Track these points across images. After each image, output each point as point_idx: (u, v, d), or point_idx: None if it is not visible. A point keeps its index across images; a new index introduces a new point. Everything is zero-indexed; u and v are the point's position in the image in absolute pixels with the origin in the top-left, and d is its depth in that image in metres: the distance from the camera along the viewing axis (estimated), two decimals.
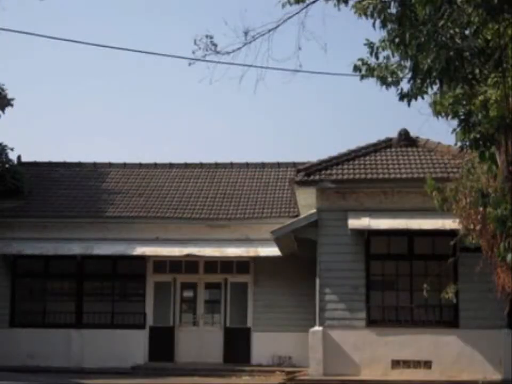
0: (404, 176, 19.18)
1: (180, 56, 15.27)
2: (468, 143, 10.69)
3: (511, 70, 9.82)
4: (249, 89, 11.93)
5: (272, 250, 21.34)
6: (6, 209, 23.67)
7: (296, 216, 21.36)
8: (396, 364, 18.52)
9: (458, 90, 10.38)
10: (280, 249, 20.99)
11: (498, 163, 11.34)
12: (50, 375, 20.45)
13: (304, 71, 12.24)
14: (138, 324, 22.82)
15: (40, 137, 47.48)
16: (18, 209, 23.90)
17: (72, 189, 25.23)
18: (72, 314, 22.96)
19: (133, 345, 22.47)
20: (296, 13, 10.66)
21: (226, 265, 23.06)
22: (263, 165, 26.63)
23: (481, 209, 12.30)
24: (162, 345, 22.66)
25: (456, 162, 18.18)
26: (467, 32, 9.43)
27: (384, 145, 20.95)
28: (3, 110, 24.56)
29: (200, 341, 22.77)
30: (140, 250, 22.48)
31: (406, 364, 18.52)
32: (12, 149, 25.31)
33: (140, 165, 26.84)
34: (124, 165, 26.90)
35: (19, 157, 26.44)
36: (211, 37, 11.13)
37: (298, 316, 21.78)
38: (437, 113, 11.09)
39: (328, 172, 19.51)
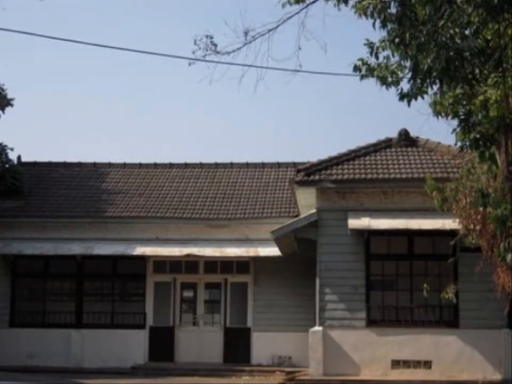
0: (404, 176, 19.17)
1: (180, 56, 15.32)
2: (468, 143, 10.72)
3: (511, 70, 9.82)
4: (249, 89, 11.94)
5: (272, 250, 21.33)
6: (6, 209, 23.67)
7: (296, 216, 21.35)
8: (395, 363, 18.52)
9: (458, 90, 10.40)
10: (280, 249, 20.99)
11: (498, 163, 11.35)
12: (50, 375, 20.43)
13: (304, 71, 12.26)
14: (138, 323, 22.81)
15: (40, 137, 47.53)
16: (18, 209, 23.89)
17: (72, 189, 25.22)
18: (72, 314, 22.94)
19: (133, 345, 22.46)
20: (296, 13, 10.68)
21: (226, 265, 23.05)
22: (263, 165, 26.62)
23: (481, 209, 12.31)
24: (162, 345, 22.64)
25: (456, 162, 18.16)
26: (467, 32, 9.44)
27: (384, 145, 20.95)
28: (3, 110, 24.57)
29: (200, 341, 22.76)
30: (140, 250, 22.47)
31: (406, 364, 18.52)
32: (12, 149, 25.34)
33: (140, 165, 26.82)
34: (124, 165, 26.89)
35: (19, 157, 26.43)
36: (211, 37, 11.14)
37: (298, 315, 21.77)
38: (437, 113, 11.10)
39: (328, 172, 19.50)
